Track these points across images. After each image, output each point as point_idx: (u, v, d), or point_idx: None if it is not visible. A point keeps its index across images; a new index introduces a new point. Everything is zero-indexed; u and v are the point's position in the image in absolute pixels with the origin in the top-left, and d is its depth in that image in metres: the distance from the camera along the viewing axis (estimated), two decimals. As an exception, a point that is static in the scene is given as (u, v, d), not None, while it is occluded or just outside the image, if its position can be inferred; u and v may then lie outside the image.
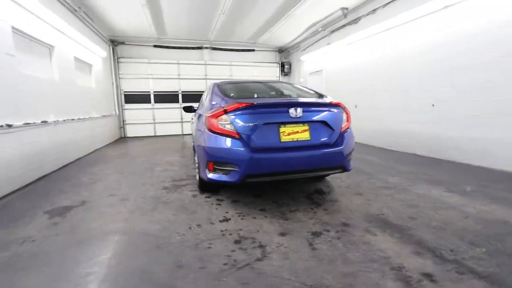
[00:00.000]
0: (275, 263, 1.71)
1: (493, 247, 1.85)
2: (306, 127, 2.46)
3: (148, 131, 9.24)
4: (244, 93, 3.07)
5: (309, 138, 2.45)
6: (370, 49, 6.38)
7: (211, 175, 2.47)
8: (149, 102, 9.10)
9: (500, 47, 3.71)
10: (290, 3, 6.04)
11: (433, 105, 4.84)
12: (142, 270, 1.64)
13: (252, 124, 2.32)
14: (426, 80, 4.92)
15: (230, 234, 2.09)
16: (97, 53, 6.65)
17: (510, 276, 1.54)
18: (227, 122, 2.37)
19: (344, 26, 7.16)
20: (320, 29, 7.67)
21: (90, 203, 2.83)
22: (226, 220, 2.36)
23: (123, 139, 8.66)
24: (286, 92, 3.26)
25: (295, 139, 2.41)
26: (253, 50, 10.27)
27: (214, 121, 2.41)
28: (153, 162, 4.86)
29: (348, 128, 2.70)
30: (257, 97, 2.95)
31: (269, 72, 10.66)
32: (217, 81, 3.60)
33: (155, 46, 8.85)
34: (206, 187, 2.99)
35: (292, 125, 2.41)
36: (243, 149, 2.27)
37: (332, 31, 7.64)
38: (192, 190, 3.20)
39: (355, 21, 6.73)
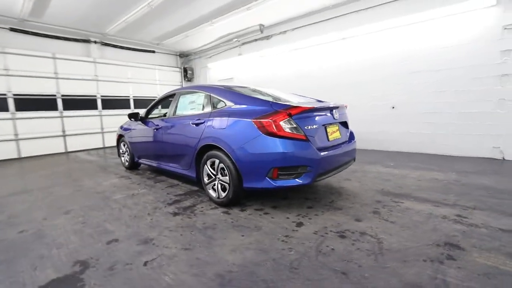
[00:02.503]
0: (391, 240, 1.99)
1: (456, 192, 3.00)
2: (337, 127, 2.84)
3: (7, 152, 6.17)
4: (266, 97, 2.99)
5: (340, 137, 2.84)
6: (283, 63, 7.48)
7: (277, 182, 2.33)
8: (7, 109, 6.10)
9: (379, 69, 5.63)
10: (219, 12, 6.11)
11: (339, 108, 6.50)
12: (326, 290, 1.46)
13: (314, 126, 2.43)
14: (333, 92, 6.49)
15: (326, 233, 2.14)
16: None
17: (488, 203, 2.63)
18: (291, 125, 2.33)
19: (256, 40, 7.98)
20: (234, 40, 8.10)
21: (94, 261, 1.85)
22: (301, 224, 2.33)
23: (-45, 170, 5.32)
24: (283, 96, 3.42)
25: (335, 138, 2.74)
26: (153, 52, 9.21)
27: (278, 125, 2.30)
28: (92, 191, 3.52)
29: (348, 126, 3.33)
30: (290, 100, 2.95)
31: (171, 77, 9.92)
32: (209, 85, 3.24)
33: (12, 29, 6.05)
34: (237, 200, 2.70)
35: (332, 126, 2.72)
36: (313, 150, 2.34)
37: (244, 43, 8.30)
38: (213, 208, 2.75)
39: (267, 37, 7.70)
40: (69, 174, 4.57)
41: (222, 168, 2.67)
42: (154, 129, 3.70)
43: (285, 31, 7.22)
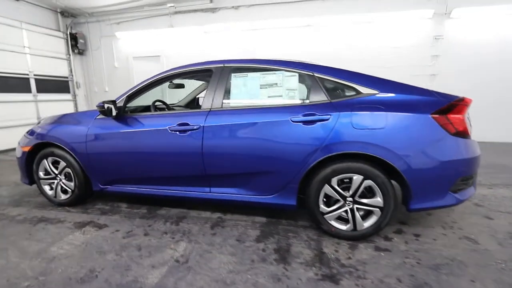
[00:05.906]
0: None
1: (497, 172, 3.53)
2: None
3: None
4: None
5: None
6: (234, 44, 6.45)
7: (460, 196, 1.80)
8: None
9: (336, 63, 5.89)
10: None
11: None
12: None
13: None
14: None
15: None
16: None
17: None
18: (468, 121, 1.85)
19: (196, 11, 6.41)
20: (169, 5, 6.09)
21: None
22: (476, 242, 1.93)
23: None
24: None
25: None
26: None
27: (465, 121, 1.76)
28: (59, 279, 1.54)
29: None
30: None
31: (49, 45, 6.43)
32: (301, 61, 2.11)
33: None
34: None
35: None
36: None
37: (177, 12, 6.46)
38: (350, 247, 1.84)
39: (213, 10, 6.36)
40: None
41: (366, 188, 1.81)
42: (175, 131, 2.05)
43: (238, 6, 6.16)
